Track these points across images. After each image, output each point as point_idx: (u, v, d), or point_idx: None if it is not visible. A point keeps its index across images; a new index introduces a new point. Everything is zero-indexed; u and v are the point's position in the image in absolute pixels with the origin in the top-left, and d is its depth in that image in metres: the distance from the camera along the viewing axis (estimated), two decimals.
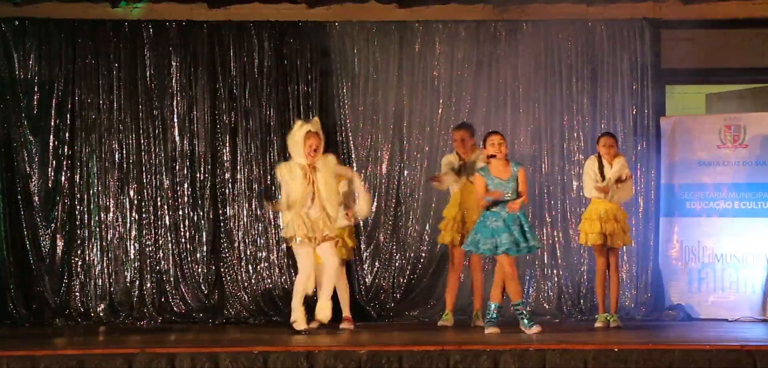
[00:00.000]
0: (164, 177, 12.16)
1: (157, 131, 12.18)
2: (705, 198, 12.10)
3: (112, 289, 12.03)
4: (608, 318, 11.01)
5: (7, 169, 12.02)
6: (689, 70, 12.60)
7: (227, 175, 12.21)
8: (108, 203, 12.11)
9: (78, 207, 12.08)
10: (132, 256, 12.11)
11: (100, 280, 12.03)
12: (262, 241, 12.18)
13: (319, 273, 10.49)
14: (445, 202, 11.42)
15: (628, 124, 12.30)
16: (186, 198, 12.18)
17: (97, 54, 12.13)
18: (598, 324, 11.02)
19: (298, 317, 10.26)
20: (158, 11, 12.25)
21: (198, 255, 12.15)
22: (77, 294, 11.98)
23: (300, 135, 10.16)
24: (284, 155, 12.19)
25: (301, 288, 10.31)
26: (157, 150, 12.17)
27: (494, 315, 10.34)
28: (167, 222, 12.13)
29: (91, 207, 12.08)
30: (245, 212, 12.19)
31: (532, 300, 12.16)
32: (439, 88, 12.32)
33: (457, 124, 11.64)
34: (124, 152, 12.15)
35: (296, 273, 12.04)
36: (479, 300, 11.24)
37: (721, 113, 12.47)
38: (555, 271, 12.24)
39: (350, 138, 12.22)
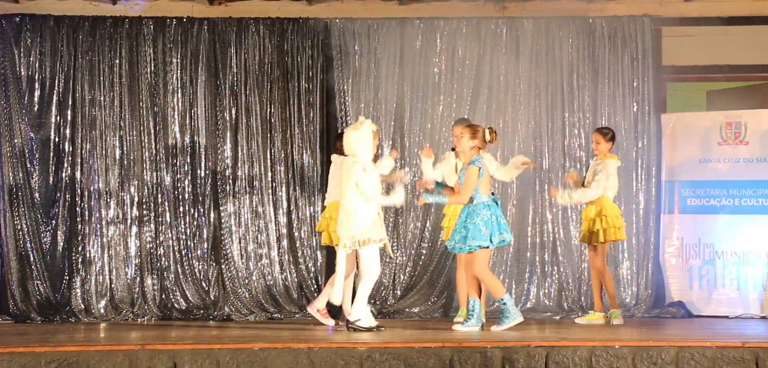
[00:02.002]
0: (165, 173, 12.17)
1: (157, 128, 12.18)
2: (706, 196, 12.10)
3: (112, 286, 12.04)
4: (610, 315, 11.04)
5: (8, 165, 12.01)
6: (690, 67, 12.63)
7: (228, 172, 12.21)
8: (109, 199, 12.11)
9: (79, 203, 12.08)
10: (133, 253, 12.11)
11: (101, 277, 12.03)
12: (262, 238, 12.19)
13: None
14: None
15: (628, 121, 12.30)
16: (187, 195, 12.19)
17: (98, 50, 12.13)
18: (579, 321, 11.13)
19: (363, 315, 10.22)
20: (159, 7, 12.26)
21: (199, 251, 12.16)
22: (78, 290, 11.98)
23: (370, 133, 10.16)
24: (285, 151, 12.21)
25: (371, 288, 10.26)
26: (157, 146, 12.17)
27: (507, 312, 10.29)
28: (168, 219, 12.14)
29: (92, 203, 12.08)
30: (246, 209, 12.19)
31: (533, 297, 12.18)
32: (440, 85, 12.32)
33: (456, 119, 11.62)
34: (125, 148, 12.16)
35: (296, 270, 12.12)
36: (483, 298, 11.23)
37: (721, 110, 12.46)
38: (556, 268, 12.25)
39: None
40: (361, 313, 10.13)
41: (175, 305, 12.02)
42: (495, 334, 9.94)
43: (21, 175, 12.02)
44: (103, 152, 12.12)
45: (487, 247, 10.12)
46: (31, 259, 11.98)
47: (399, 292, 12.21)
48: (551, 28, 12.32)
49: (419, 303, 12.17)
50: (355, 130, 10.19)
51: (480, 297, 10.44)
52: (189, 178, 12.20)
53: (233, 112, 12.24)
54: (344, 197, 10.16)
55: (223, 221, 12.18)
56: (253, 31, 12.24)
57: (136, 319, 11.81)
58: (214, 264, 12.16)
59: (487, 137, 10.23)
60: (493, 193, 10.35)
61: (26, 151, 12.06)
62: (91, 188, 12.09)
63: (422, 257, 12.28)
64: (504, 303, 10.22)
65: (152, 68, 12.19)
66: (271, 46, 12.26)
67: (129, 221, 12.13)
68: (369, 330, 10.08)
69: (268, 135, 12.25)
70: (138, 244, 12.12)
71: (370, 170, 10.13)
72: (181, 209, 12.17)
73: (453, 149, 11.05)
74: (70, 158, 12.10)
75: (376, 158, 10.48)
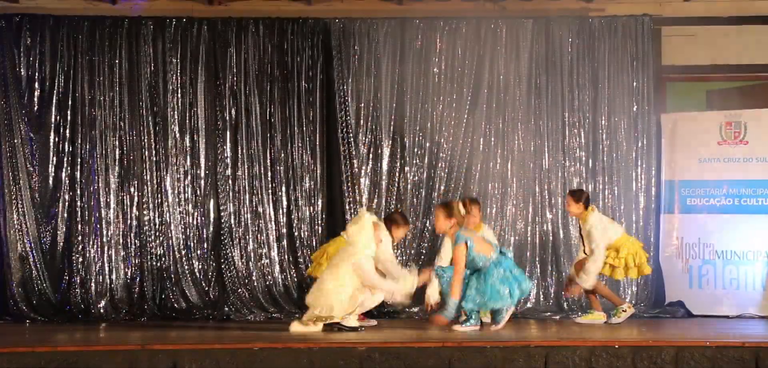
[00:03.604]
0: (165, 173, 12.16)
1: (157, 127, 12.17)
2: (705, 195, 12.10)
3: (112, 286, 12.03)
4: (614, 313, 11.10)
5: (7, 165, 12.01)
6: (690, 67, 12.63)
7: (228, 172, 12.20)
8: (108, 199, 12.10)
9: (79, 203, 12.07)
10: (132, 253, 12.10)
11: (101, 277, 12.02)
12: (262, 238, 12.18)
13: None
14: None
15: (628, 121, 12.30)
16: (186, 195, 12.18)
17: (98, 50, 12.12)
18: (579, 320, 11.23)
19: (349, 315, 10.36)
20: (158, 7, 12.25)
21: (198, 251, 12.15)
22: (78, 290, 11.97)
23: (370, 225, 10.28)
24: (285, 151, 12.21)
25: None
26: (157, 146, 12.16)
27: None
28: (168, 219, 12.13)
29: (92, 203, 12.07)
30: (246, 208, 12.18)
31: (533, 297, 12.17)
32: (440, 85, 12.31)
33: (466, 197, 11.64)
34: (125, 148, 12.15)
35: (296, 269, 12.13)
36: None
37: (721, 110, 12.46)
38: (556, 268, 12.24)
39: (351, 135, 12.20)
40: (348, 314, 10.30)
41: (175, 305, 12.01)
42: (495, 333, 9.95)
43: (21, 175, 12.01)
44: (103, 152, 12.11)
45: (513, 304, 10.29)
46: (31, 259, 11.97)
47: None
48: (551, 28, 12.32)
49: (419, 302, 12.14)
50: (355, 224, 10.32)
51: None
52: (189, 178, 12.20)
53: (233, 111, 12.23)
54: (332, 272, 10.22)
55: (222, 221, 12.17)
56: (253, 31, 12.23)
57: (136, 319, 11.80)
58: (213, 264, 12.15)
59: (462, 210, 10.34)
60: (499, 247, 10.40)
61: (26, 151, 12.05)
62: (91, 188, 12.09)
63: (422, 257, 12.27)
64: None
65: (152, 68, 12.18)
66: (271, 45, 12.25)
67: (129, 221, 12.12)
68: (354, 329, 10.18)
69: (268, 135, 12.24)
70: (138, 244, 12.11)
71: (368, 261, 10.20)
72: (181, 209, 12.16)
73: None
74: (69, 158, 12.09)
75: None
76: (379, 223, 10.42)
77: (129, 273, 12.08)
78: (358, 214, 10.46)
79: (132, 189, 12.14)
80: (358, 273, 10.11)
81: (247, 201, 12.20)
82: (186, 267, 12.11)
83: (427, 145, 12.28)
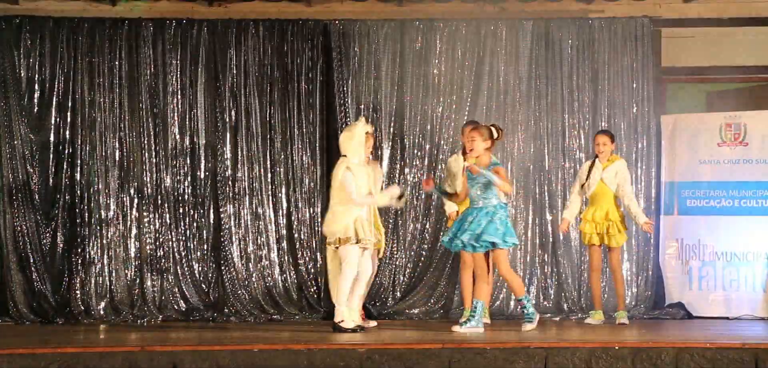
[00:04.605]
0: (165, 175, 12.16)
1: (157, 129, 12.17)
2: (705, 197, 12.10)
3: (112, 287, 12.03)
4: (618, 315, 11.12)
5: (7, 166, 12.01)
6: (690, 68, 12.63)
7: (228, 173, 12.20)
8: (108, 201, 12.10)
9: (78, 205, 12.07)
10: (132, 254, 12.10)
11: (101, 278, 12.02)
12: (262, 239, 12.18)
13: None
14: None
15: (628, 122, 12.30)
16: (186, 197, 12.18)
17: (98, 52, 12.12)
18: (590, 321, 11.17)
19: (346, 316, 10.32)
20: (158, 9, 12.26)
21: (198, 253, 12.15)
22: (78, 292, 11.97)
23: (362, 133, 10.42)
24: (285, 153, 12.21)
25: (348, 287, 10.39)
26: (157, 148, 12.17)
27: (529, 310, 10.39)
28: (168, 220, 12.13)
29: (92, 205, 12.07)
30: (246, 210, 12.18)
31: (532, 298, 12.17)
32: (440, 86, 12.31)
33: (467, 121, 11.68)
34: (125, 150, 12.15)
35: (296, 271, 12.13)
36: (487, 298, 11.21)
37: (721, 111, 12.46)
38: (555, 269, 12.25)
39: None
40: (343, 314, 10.27)
41: (175, 306, 12.01)
42: (495, 335, 9.95)
43: (21, 177, 12.02)
44: (103, 154, 12.11)
45: (499, 246, 10.24)
46: (31, 261, 11.96)
47: (399, 293, 12.20)
48: (551, 30, 12.32)
49: (419, 304, 12.16)
50: (347, 130, 10.45)
51: (483, 298, 10.49)
52: (189, 180, 12.20)
53: (233, 113, 12.23)
54: (331, 195, 10.44)
55: (222, 222, 12.17)
56: (253, 33, 12.23)
57: (136, 321, 11.79)
58: (213, 265, 12.15)
59: (495, 134, 10.39)
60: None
61: (26, 153, 12.06)
62: (91, 190, 12.09)
63: (422, 258, 12.28)
64: (526, 301, 10.34)
65: (152, 70, 12.18)
66: (271, 47, 12.25)
67: (129, 222, 12.12)
68: (353, 331, 10.19)
69: (268, 136, 12.24)
70: (138, 246, 12.11)
71: (356, 170, 10.29)
72: (181, 211, 12.16)
73: (464, 152, 11.06)
74: (69, 159, 12.09)
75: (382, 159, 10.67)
76: (372, 135, 10.60)
77: (129, 275, 12.08)
78: (356, 121, 10.62)
79: (132, 191, 12.14)
80: (346, 190, 10.20)
81: (247, 203, 12.20)
82: (186, 268, 12.11)
83: (427, 146, 12.28)
